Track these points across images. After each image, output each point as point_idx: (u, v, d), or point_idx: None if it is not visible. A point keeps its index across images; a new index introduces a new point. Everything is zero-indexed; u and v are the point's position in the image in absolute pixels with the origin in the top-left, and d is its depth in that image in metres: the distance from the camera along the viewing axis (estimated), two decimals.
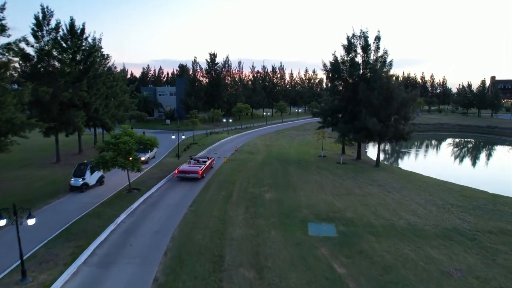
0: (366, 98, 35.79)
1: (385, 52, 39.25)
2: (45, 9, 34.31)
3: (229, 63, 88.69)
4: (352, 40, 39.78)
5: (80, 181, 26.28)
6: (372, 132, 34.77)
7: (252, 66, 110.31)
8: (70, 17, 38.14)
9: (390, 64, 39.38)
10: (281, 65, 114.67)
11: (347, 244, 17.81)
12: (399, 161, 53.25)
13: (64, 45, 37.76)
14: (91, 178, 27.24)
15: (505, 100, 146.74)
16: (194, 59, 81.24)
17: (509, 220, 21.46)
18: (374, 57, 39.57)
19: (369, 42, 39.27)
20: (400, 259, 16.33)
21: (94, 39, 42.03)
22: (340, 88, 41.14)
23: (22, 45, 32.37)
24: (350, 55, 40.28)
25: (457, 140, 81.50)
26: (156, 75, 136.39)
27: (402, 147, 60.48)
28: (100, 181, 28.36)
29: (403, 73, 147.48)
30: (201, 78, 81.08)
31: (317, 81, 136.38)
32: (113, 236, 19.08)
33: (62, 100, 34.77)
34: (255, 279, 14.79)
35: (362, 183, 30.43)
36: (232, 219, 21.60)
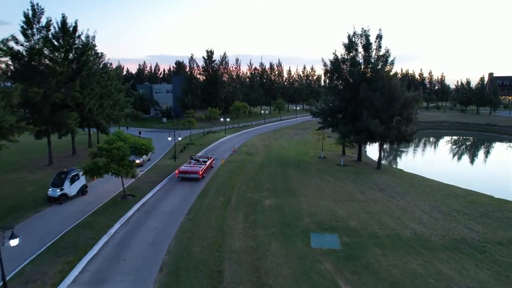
0: (367, 99, 34.87)
1: (387, 51, 38.31)
2: (35, 6, 33.00)
3: (226, 60, 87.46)
4: (353, 38, 38.78)
5: (57, 192, 23.90)
6: (374, 134, 33.90)
7: (250, 63, 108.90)
8: (62, 14, 36.77)
9: (392, 63, 38.49)
10: (279, 62, 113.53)
11: (352, 258, 16.96)
12: (399, 160, 52.59)
13: (55, 43, 36.51)
14: (71, 188, 24.87)
15: (502, 97, 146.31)
16: (191, 56, 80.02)
17: None
18: (376, 56, 38.64)
19: (371, 41, 38.30)
20: (408, 275, 15.51)
21: (87, 37, 40.78)
22: (341, 87, 40.13)
23: (12, 43, 31.44)
24: (351, 54, 39.31)
25: (457, 138, 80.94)
26: (153, 71, 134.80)
27: (402, 146, 59.72)
28: (82, 191, 26.03)
29: (401, 69, 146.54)
30: (198, 76, 79.80)
31: (315, 77, 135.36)
32: (106, 249, 18.11)
33: (54, 101, 33.60)
34: None
35: (364, 187, 29.59)
36: (231, 229, 20.69)
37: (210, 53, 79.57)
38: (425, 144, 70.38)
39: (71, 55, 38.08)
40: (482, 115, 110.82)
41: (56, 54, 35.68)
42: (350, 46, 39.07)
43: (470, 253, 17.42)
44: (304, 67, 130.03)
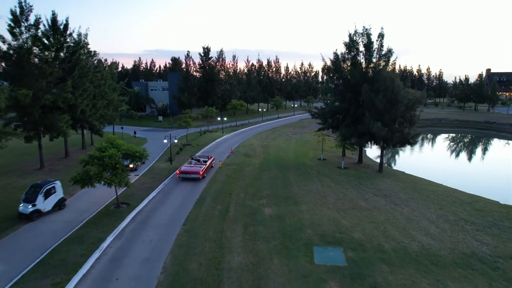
0: (369, 100, 33.85)
1: (389, 51, 37.23)
2: (23, 3, 31.46)
3: (223, 57, 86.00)
4: (355, 37, 37.64)
5: (29, 208, 21.27)
6: (376, 137, 32.93)
7: (247, 60, 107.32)
8: (52, 11, 35.28)
9: (395, 63, 37.49)
10: (276, 58, 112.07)
11: (358, 276, 16.03)
12: (398, 159, 51.73)
13: (46, 42, 35.07)
14: (45, 203, 22.37)
15: (500, 93, 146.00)
16: (187, 53, 78.39)
17: None
18: (377, 55, 37.56)
19: (372, 40, 37.18)
20: None
21: (79, 35, 39.16)
22: (341, 88, 39.01)
23: None
24: (352, 53, 38.20)
25: (456, 137, 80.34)
26: (148, 67, 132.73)
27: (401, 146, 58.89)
28: (59, 206, 23.58)
29: (399, 65, 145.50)
30: (194, 73, 78.27)
31: (313, 74, 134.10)
32: (97, 266, 17.04)
33: (44, 103, 32.23)
34: None
35: (366, 193, 28.68)
36: (230, 242, 19.70)
37: (206, 50, 78.06)
38: (424, 143, 69.63)
39: (62, 54, 36.64)
40: (480, 112, 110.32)
41: (47, 54, 34.22)
42: (351, 45, 37.95)
43: (482, 270, 16.55)
44: (302, 64, 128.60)
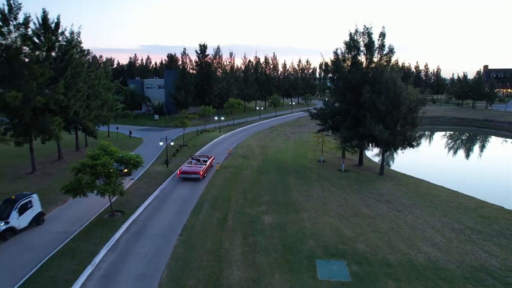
0: (370, 102, 32.99)
1: (391, 50, 36.37)
2: (11, 1, 30.16)
3: (220, 54, 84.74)
4: (355, 36, 36.71)
5: (2, 226, 19.41)
6: (378, 140, 32.15)
7: (244, 57, 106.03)
8: (42, 9, 33.90)
9: (396, 62, 36.61)
10: (274, 55, 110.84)
11: None
12: (397, 158, 51.08)
13: (36, 40, 33.86)
14: (20, 220, 20.41)
15: (497, 90, 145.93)
16: (184, 51, 76.95)
17: None
18: (379, 55, 36.69)
19: (373, 39, 36.27)
20: None
21: (71, 33, 37.92)
22: (341, 88, 38.06)
23: None
24: (353, 52, 37.28)
25: (455, 135, 79.93)
26: (144, 64, 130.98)
27: None
28: (37, 221, 21.69)
29: (397, 62, 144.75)
30: (191, 71, 76.94)
31: (310, 71, 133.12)
32: (89, 284, 16.14)
33: (35, 105, 31.09)
34: None
35: (368, 198, 27.94)
36: (229, 254, 18.87)
37: (203, 47, 76.70)
38: (424, 142, 69.08)
39: (53, 53, 35.45)
40: (478, 109, 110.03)
41: (37, 53, 32.99)
42: (351, 44, 37.02)
43: (493, 287, 15.85)
44: (300, 61, 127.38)
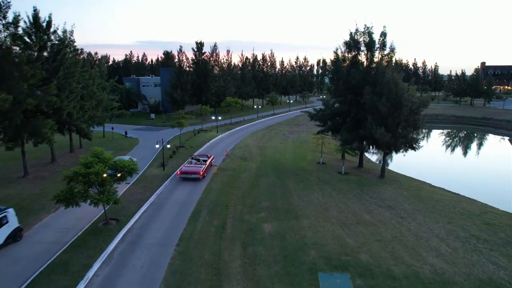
0: (372, 103, 32.28)
1: (392, 50, 35.64)
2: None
3: (217, 51, 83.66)
4: (356, 36, 35.91)
5: None
6: (379, 142, 31.51)
7: (242, 54, 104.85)
8: (33, 7, 32.78)
9: (397, 62, 35.88)
10: (271, 52, 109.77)
11: None
12: (397, 158, 50.39)
13: (28, 40, 32.79)
14: None
15: (494, 87, 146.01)
16: (180, 48, 75.82)
17: None
18: (380, 55, 35.94)
19: (374, 39, 35.49)
20: None
21: (64, 32, 36.80)
22: (342, 88, 37.29)
23: None
24: (353, 52, 36.50)
25: (454, 134, 79.65)
26: (140, 61, 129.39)
27: None
28: (14, 237, 19.89)
29: (398, 62, 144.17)
30: (187, 69, 75.80)
31: (308, 68, 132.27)
32: None
33: (26, 107, 30.07)
34: None
35: (370, 203, 27.32)
36: (228, 266, 18.18)
37: (200, 45, 75.55)
38: (423, 141, 68.62)
39: (45, 53, 34.41)
40: (476, 107, 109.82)
41: (28, 53, 31.92)
42: (351, 44, 36.23)
43: None
44: (297, 58, 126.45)
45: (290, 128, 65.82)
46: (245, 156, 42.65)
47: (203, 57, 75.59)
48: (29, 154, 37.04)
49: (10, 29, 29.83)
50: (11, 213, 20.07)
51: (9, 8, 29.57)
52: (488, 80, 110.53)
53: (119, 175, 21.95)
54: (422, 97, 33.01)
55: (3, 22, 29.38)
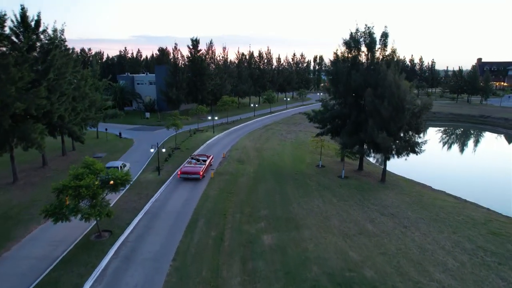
0: (373, 107, 31.40)
1: (393, 51, 34.74)
2: None
3: (213, 48, 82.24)
4: (356, 36, 34.91)
5: None
6: (381, 147, 30.71)
7: (238, 51, 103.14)
8: (21, 5, 31.32)
9: (398, 64, 35.02)
10: (268, 49, 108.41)
11: None
12: (394, 159, 49.81)
13: (15, 40, 31.42)
14: None
15: (490, 83, 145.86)
16: (175, 46, 74.27)
17: None
18: (381, 56, 35.01)
19: (375, 39, 34.52)
20: None
21: (54, 31, 35.39)
22: (342, 90, 36.32)
23: None
24: (353, 53, 35.52)
25: (452, 132, 79.24)
26: (134, 57, 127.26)
27: None
28: None
29: (399, 63, 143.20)
30: (183, 66, 74.25)
31: (305, 65, 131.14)
32: None
33: (14, 111, 28.80)
34: None
35: (372, 211, 26.56)
36: (227, 284, 17.33)
37: (195, 42, 74.04)
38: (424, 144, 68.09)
39: (35, 54, 33.05)
40: (473, 104, 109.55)
41: (16, 54, 30.53)
42: (351, 45, 35.25)
43: None
44: (294, 54, 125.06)
45: (288, 128, 64.87)
46: (242, 158, 41.69)
47: (198, 54, 74.10)
48: (19, 157, 35.83)
49: None
50: None
51: None
52: (486, 77, 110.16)
53: (111, 182, 20.83)
54: (425, 99, 32.15)
55: None
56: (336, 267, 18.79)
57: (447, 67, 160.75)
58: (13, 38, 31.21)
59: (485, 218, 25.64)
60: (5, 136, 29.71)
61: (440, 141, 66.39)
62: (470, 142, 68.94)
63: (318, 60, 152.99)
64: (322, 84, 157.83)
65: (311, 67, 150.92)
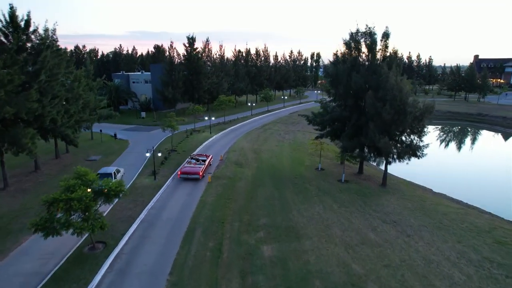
0: (374, 110, 30.68)
1: (395, 52, 33.98)
2: None
3: (209, 46, 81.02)
4: (357, 37, 34.10)
5: None
6: (383, 151, 30.05)
7: (235, 49, 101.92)
8: (9, 5, 30.13)
9: (400, 65, 34.28)
10: (265, 47, 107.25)
11: None
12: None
13: (4, 41, 30.31)
14: None
15: (486, 80, 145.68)
16: (171, 44, 72.94)
17: None
18: (381, 57, 34.23)
19: (376, 40, 33.73)
20: None
21: (46, 30, 34.24)
22: (342, 92, 35.54)
23: None
24: (354, 53, 34.72)
25: (450, 131, 78.95)
26: (130, 54, 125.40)
27: None
28: None
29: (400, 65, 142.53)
30: (178, 62, 72.88)
31: (302, 62, 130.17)
32: None
33: (3, 116, 27.74)
34: None
35: (373, 218, 25.93)
36: None
37: (191, 40, 72.72)
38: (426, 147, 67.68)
39: (25, 54, 31.91)
40: (471, 102, 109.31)
41: (5, 56, 29.39)
42: (352, 46, 34.44)
43: None
44: (291, 52, 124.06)
45: (286, 128, 64.07)
46: (240, 161, 40.89)
47: (195, 52, 72.83)
48: (10, 161, 34.86)
49: None
50: None
51: None
52: (483, 75, 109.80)
53: (105, 190, 19.92)
54: (427, 102, 31.49)
55: None
56: (339, 281, 18.13)
57: (444, 64, 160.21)
58: (2, 39, 30.18)
59: (489, 226, 25.10)
60: None
61: (437, 139, 66.01)
62: (469, 142, 68.69)
63: (315, 57, 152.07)
64: (319, 81, 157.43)
65: (308, 64, 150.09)
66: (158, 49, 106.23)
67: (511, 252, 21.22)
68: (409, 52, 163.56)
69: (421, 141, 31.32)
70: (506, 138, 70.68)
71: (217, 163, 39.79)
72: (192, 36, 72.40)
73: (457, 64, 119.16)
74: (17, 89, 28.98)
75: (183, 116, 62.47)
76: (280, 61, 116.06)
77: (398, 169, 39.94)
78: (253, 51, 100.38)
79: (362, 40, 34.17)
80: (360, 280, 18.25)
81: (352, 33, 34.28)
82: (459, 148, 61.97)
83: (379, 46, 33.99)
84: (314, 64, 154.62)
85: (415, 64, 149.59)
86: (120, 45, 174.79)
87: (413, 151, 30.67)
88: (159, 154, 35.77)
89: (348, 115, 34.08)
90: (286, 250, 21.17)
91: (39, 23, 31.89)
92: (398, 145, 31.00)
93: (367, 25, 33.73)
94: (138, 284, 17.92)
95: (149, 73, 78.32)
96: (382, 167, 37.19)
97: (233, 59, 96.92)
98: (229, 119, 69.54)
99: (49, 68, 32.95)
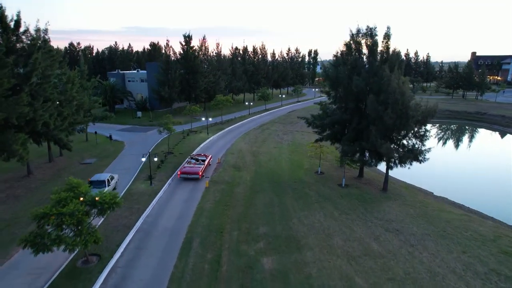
0: (375, 113, 29.94)
1: (397, 54, 33.20)
2: None
3: (206, 45, 79.88)
4: (357, 38, 33.28)
5: None
6: (384, 156, 29.39)
7: (232, 47, 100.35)
8: None
9: (401, 67, 33.50)
10: (262, 45, 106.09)
11: None
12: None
13: None
14: None
15: (485, 78, 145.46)
16: (167, 43, 71.74)
17: None
18: (383, 58, 33.42)
19: (377, 41, 32.92)
20: None
21: (37, 30, 33.10)
22: (342, 94, 34.79)
23: None
24: (354, 55, 33.92)
25: (449, 130, 78.57)
26: (125, 51, 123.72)
27: None
28: None
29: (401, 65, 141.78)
30: (174, 60, 71.67)
31: (299, 60, 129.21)
32: None
33: None
34: None
35: (376, 226, 25.31)
36: None
37: (188, 38, 71.53)
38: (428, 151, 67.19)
39: (15, 56, 30.78)
40: (469, 100, 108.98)
41: None
42: (352, 47, 33.63)
43: None
44: (289, 49, 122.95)
45: (284, 128, 63.28)
46: (238, 164, 40.11)
47: (191, 51, 71.64)
48: (1, 165, 34.10)
49: None
50: None
51: None
52: (481, 73, 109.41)
53: (97, 198, 19.01)
54: (429, 104, 30.80)
55: None
56: None
57: (442, 61, 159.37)
58: None
59: (494, 234, 24.53)
60: None
61: (437, 140, 65.53)
62: (469, 142, 68.25)
63: (313, 54, 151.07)
64: (317, 79, 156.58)
65: (306, 61, 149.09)
66: (154, 46, 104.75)
67: None
68: (407, 49, 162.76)
69: (423, 145, 30.63)
70: (506, 138, 70.36)
71: (214, 167, 38.99)
72: (189, 34, 71.26)
73: (455, 62, 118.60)
74: (7, 93, 27.97)
75: (179, 116, 61.64)
76: (277, 58, 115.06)
77: (398, 170, 39.11)
78: (250, 48, 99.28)
79: (363, 41, 33.39)
80: None
81: (352, 33, 33.49)
82: (458, 148, 61.54)
83: (380, 47, 33.20)
84: (312, 61, 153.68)
85: (413, 61, 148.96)
86: (116, 42, 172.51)
87: (415, 155, 30.00)
88: (155, 159, 34.83)
89: (349, 118, 33.35)
90: (287, 262, 20.50)
91: (30, 23, 31.60)
92: (400, 149, 30.31)
93: (368, 26, 32.94)
94: None
95: (145, 71, 77.03)
96: (382, 169, 36.62)
97: (230, 56, 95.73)
98: (226, 119, 68.65)
99: (40, 70, 31.90)
